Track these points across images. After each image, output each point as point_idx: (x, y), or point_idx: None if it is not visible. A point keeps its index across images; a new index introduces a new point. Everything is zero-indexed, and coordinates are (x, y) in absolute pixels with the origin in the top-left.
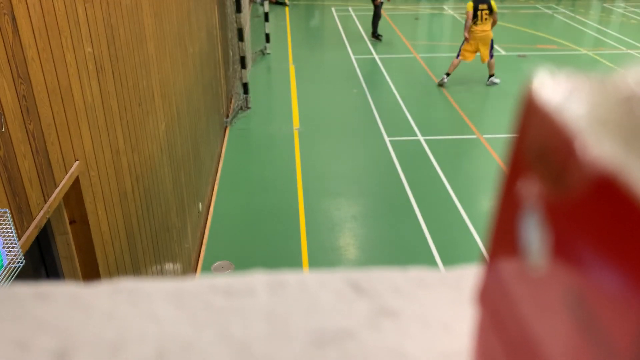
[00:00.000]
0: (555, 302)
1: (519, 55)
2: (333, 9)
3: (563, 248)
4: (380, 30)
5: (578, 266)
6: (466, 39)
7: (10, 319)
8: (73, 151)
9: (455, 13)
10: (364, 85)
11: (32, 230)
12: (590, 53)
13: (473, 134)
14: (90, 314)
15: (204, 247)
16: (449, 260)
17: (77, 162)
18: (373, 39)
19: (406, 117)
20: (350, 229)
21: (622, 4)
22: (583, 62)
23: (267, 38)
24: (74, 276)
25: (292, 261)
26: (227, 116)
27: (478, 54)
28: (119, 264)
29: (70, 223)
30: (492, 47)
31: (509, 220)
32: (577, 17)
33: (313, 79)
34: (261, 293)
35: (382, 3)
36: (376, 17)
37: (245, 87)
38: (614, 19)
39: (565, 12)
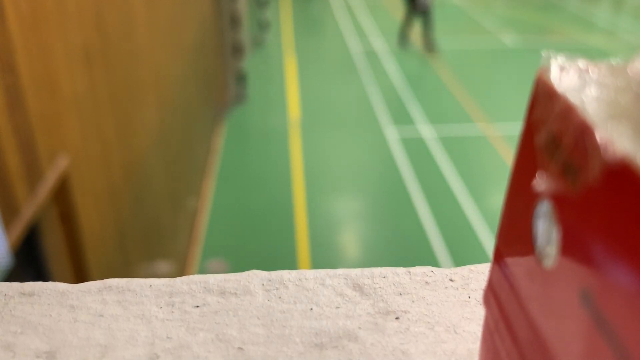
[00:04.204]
0: (567, 301)
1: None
2: None
3: (575, 243)
4: (380, 21)
5: (591, 262)
6: None
7: None
8: (62, 144)
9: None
10: (364, 76)
11: (20, 229)
12: (601, 43)
13: (481, 125)
14: (79, 314)
15: (198, 245)
16: (455, 259)
17: (66, 155)
18: (428, 51)
19: (408, 109)
20: (352, 226)
21: None
22: (594, 52)
23: (266, 26)
24: (63, 275)
25: (290, 259)
26: (223, 108)
27: None
28: (110, 262)
29: (60, 219)
30: None
31: (519, 215)
32: (588, 6)
33: (314, 70)
34: (258, 293)
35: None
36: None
37: (242, 77)
38: (627, 9)
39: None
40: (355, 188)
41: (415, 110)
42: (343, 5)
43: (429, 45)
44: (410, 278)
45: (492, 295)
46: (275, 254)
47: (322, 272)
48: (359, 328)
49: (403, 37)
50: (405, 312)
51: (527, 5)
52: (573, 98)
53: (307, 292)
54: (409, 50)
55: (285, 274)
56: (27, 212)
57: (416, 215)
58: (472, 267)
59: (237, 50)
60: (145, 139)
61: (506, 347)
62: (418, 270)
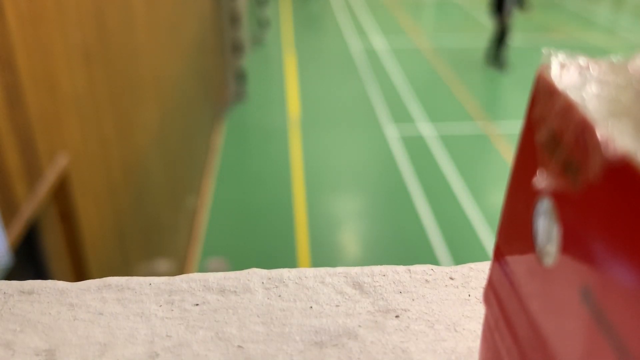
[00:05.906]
0: (568, 298)
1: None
2: None
3: (576, 241)
4: (380, 20)
5: (591, 260)
6: None
7: None
8: (62, 143)
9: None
10: (364, 74)
11: (20, 227)
12: (601, 41)
13: (481, 123)
14: (79, 312)
15: (198, 243)
16: (455, 257)
17: (65, 154)
18: (496, 66)
19: (408, 108)
20: (352, 224)
21: None
22: (594, 50)
23: (266, 24)
24: (63, 273)
25: (290, 258)
26: (223, 106)
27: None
28: (109, 260)
29: (60, 218)
30: None
31: (520, 213)
32: (588, 4)
33: (314, 68)
34: (258, 291)
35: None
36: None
37: (242, 76)
38: (627, 7)
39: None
40: (355, 186)
41: (415, 109)
42: (343, 3)
43: (502, 60)
44: (410, 276)
45: (493, 293)
46: (275, 252)
47: (322, 271)
48: (359, 326)
49: (498, 57)
50: (405, 311)
51: (527, 4)
52: (573, 95)
53: (307, 291)
54: (504, 70)
55: (285, 272)
56: (27, 210)
57: (416, 213)
58: (472, 265)
59: (236, 48)
60: (145, 137)
61: (506, 345)
62: (418, 268)
